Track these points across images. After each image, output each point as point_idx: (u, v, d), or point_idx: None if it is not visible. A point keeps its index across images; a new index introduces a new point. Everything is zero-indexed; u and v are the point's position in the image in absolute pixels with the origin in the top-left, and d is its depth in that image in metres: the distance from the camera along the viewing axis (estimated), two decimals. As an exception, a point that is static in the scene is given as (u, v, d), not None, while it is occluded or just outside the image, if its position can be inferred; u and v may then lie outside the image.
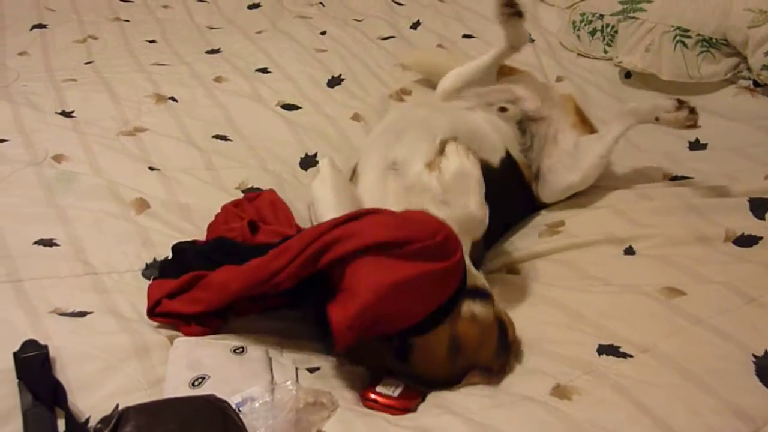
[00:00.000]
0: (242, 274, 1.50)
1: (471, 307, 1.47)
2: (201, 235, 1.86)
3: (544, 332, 1.60)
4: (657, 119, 2.02)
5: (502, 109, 2.09)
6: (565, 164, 2.06)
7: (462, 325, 1.46)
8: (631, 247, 1.81)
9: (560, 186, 2.05)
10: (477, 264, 1.67)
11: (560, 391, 1.39)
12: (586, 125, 2.20)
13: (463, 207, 1.63)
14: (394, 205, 1.65)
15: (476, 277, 1.56)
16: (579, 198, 2.06)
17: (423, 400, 1.45)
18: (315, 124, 2.43)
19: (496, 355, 1.49)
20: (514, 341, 1.54)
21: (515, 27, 2.11)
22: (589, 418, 1.32)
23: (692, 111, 1.99)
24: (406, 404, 1.41)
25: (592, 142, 2.08)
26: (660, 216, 1.88)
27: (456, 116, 2.00)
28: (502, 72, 2.27)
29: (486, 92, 2.17)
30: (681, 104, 1.99)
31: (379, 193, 1.74)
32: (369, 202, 1.69)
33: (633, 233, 1.83)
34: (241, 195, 2.07)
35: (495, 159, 1.96)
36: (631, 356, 1.46)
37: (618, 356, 1.47)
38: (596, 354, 1.48)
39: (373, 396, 1.42)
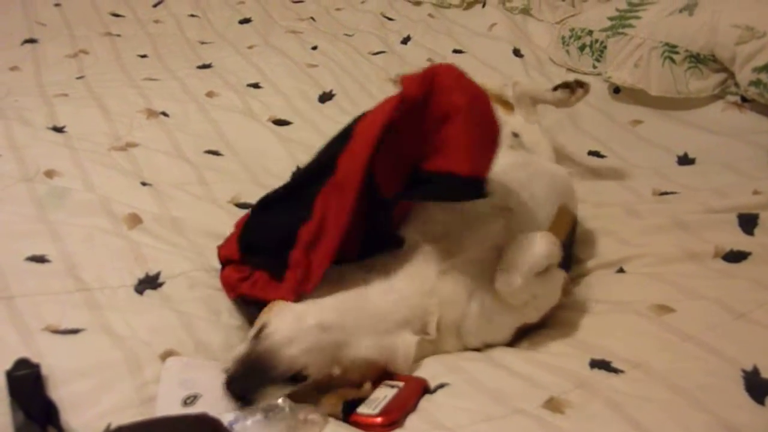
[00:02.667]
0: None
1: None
2: (193, 250, 1.87)
3: (536, 345, 1.62)
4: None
5: None
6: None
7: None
8: (621, 268, 1.82)
9: None
10: None
11: (553, 405, 1.39)
12: (507, 105, 2.25)
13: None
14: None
15: None
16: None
17: (412, 411, 1.44)
18: (307, 140, 2.43)
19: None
20: None
21: None
22: (581, 434, 1.33)
23: (579, 86, 2.19)
24: (391, 418, 1.40)
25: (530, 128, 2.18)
26: (650, 235, 1.89)
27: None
28: None
29: None
30: (567, 88, 2.19)
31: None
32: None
33: (624, 255, 1.84)
34: (233, 209, 2.08)
35: None
36: (622, 371, 1.46)
37: (609, 371, 1.47)
38: (588, 368, 1.49)
39: (353, 417, 1.41)
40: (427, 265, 1.61)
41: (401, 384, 1.49)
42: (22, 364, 1.40)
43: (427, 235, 1.65)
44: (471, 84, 1.56)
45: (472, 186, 1.49)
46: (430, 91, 1.50)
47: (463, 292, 1.60)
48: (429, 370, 1.55)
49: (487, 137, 1.53)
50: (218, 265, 1.80)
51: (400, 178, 1.56)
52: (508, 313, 1.60)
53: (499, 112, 2.03)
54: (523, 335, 1.68)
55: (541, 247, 1.54)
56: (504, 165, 1.76)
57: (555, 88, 2.24)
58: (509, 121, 2.13)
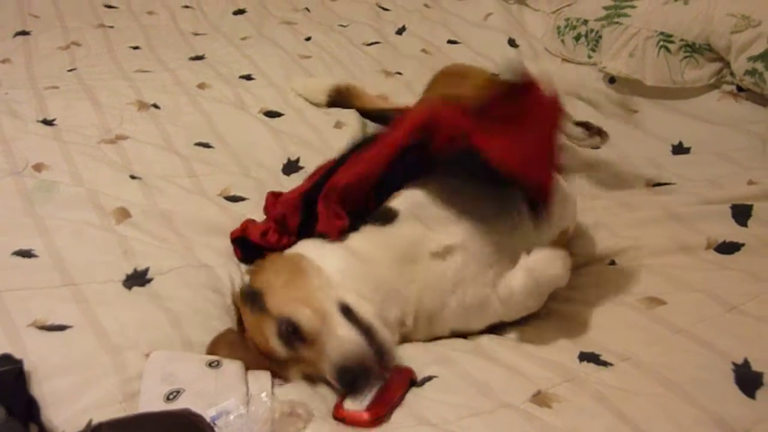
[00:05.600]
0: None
1: None
2: (183, 244, 1.85)
3: (525, 337, 1.60)
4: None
5: None
6: None
7: None
8: (613, 261, 1.80)
9: None
10: None
11: (540, 399, 1.38)
12: None
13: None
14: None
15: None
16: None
17: (398, 405, 1.42)
18: (298, 131, 2.41)
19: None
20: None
21: None
22: (569, 428, 1.31)
23: (599, 133, 2.17)
24: (378, 413, 1.38)
25: None
26: (643, 227, 1.87)
27: None
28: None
29: None
30: (590, 130, 2.16)
31: None
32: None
33: (616, 247, 1.83)
34: (223, 202, 2.06)
35: None
36: (611, 364, 1.45)
37: (599, 364, 1.46)
38: (577, 361, 1.48)
39: (341, 413, 1.39)
40: (417, 248, 1.60)
41: (387, 375, 1.47)
42: (5, 360, 1.39)
43: (421, 218, 1.62)
44: None
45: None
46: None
47: (450, 282, 1.59)
48: (416, 361, 1.53)
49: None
50: (207, 260, 1.81)
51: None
52: (485, 311, 1.60)
53: None
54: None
55: (558, 269, 1.50)
56: None
57: (577, 123, 2.21)
58: None
